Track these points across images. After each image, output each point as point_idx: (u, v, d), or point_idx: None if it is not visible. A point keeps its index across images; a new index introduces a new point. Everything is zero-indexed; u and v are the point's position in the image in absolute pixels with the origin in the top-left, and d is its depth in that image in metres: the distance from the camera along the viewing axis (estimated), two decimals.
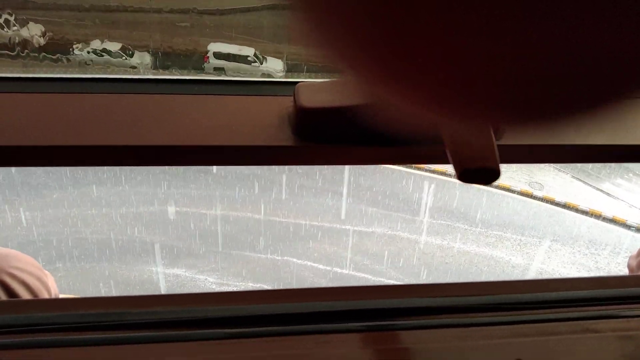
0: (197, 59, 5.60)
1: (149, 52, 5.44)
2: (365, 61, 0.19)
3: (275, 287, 5.63)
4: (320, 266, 5.93)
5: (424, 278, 5.98)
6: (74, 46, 5.36)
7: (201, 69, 5.55)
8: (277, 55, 5.73)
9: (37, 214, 5.93)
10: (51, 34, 5.22)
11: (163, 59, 5.33)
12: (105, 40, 5.43)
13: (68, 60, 5.35)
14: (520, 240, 6.63)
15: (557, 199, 7.34)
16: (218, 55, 5.74)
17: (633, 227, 6.99)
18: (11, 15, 5.24)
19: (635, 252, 0.87)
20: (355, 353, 0.56)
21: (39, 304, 0.63)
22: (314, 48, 0.19)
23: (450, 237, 6.49)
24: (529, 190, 7.43)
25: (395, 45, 0.17)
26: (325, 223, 6.36)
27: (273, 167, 6.82)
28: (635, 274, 0.79)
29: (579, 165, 7.77)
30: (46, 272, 0.77)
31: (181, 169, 6.57)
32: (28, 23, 5.26)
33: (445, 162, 0.69)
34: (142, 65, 5.43)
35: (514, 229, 6.76)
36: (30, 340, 0.55)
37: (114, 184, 6.37)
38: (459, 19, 0.15)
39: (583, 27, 0.15)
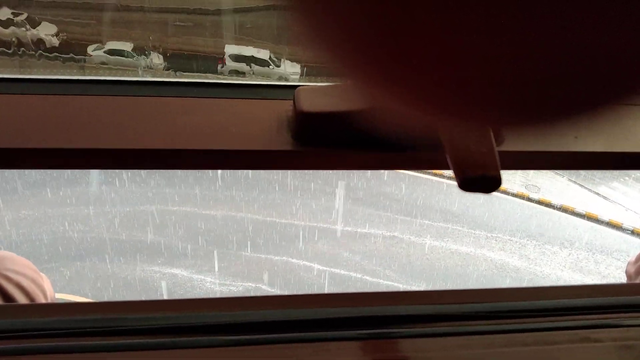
0: (212, 62, 5.55)
1: (159, 53, 5.42)
2: (362, 62, 0.18)
3: (274, 288, 5.64)
4: (317, 266, 5.92)
5: (420, 279, 5.97)
6: (88, 47, 5.36)
7: (215, 71, 5.50)
8: (293, 58, 5.67)
9: (31, 213, 5.90)
10: (64, 34, 5.21)
11: (177, 61, 5.30)
12: (114, 40, 5.41)
13: (83, 60, 5.34)
14: (516, 242, 6.63)
15: (554, 201, 7.34)
16: (235, 58, 5.68)
17: (629, 230, 6.99)
18: (18, 15, 5.23)
19: (633, 258, 0.86)
20: None
21: (35, 308, 0.62)
22: (311, 49, 0.19)
23: (447, 238, 6.49)
24: (526, 192, 7.43)
25: (391, 46, 0.17)
26: (321, 223, 6.35)
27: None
28: (633, 281, 0.78)
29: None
30: (42, 274, 0.76)
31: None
32: (40, 23, 5.25)
33: (447, 167, 0.68)
34: (154, 66, 5.40)
35: (510, 231, 6.76)
36: (27, 347, 0.53)
37: (110, 183, 6.35)
38: (456, 19, 0.15)
39: (580, 28, 0.15)
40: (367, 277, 5.91)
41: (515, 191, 7.43)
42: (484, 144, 0.43)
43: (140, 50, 5.38)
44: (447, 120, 0.23)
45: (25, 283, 0.68)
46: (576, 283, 6.13)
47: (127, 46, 5.46)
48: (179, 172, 6.54)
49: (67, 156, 0.54)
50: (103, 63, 5.39)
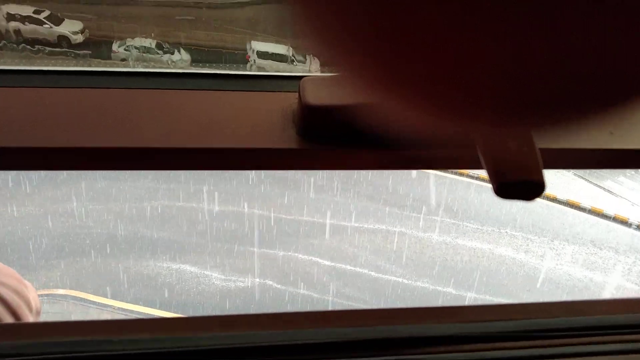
0: (239, 57, 5.48)
1: (182, 48, 5.37)
2: (366, 61, 0.18)
3: (280, 283, 5.59)
4: (325, 262, 5.87)
5: (426, 274, 5.91)
6: (112, 44, 5.32)
7: (243, 67, 5.44)
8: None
9: (35, 209, 5.87)
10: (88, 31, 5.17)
11: (201, 55, 5.23)
12: (137, 37, 5.35)
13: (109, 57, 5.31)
14: (523, 237, 6.55)
15: (559, 196, 7.25)
16: (261, 55, 5.59)
17: (635, 225, 6.89)
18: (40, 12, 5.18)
19: None
20: None
21: (18, 329, 0.55)
22: (312, 45, 0.18)
23: (454, 234, 6.42)
24: None
25: (398, 45, 0.16)
26: (329, 220, 6.30)
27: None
28: None
29: None
30: (27, 283, 0.69)
31: None
32: (63, 20, 5.20)
33: (467, 166, 0.60)
34: (181, 61, 5.35)
35: (515, 226, 6.69)
36: None
37: (114, 178, 6.31)
38: (461, 19, 0.15)
39: (609, 21, 0.14)
40: (373, 273, 5.85)
41: None
42: (525, 142, 0.36)
43: (164, 46, 5.34)
44: (458, 124, 0.22)
45: (8, 296, 0.62)
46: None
47: (151, 42, 5.40)
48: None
49: (43, 156, 0.47)
50: (124, 59, 5.33)
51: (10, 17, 5.17)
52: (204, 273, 5.61)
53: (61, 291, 5.23)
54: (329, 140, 0.50)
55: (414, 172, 7.19)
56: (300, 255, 5.89)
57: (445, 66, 0.16)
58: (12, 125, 0.47)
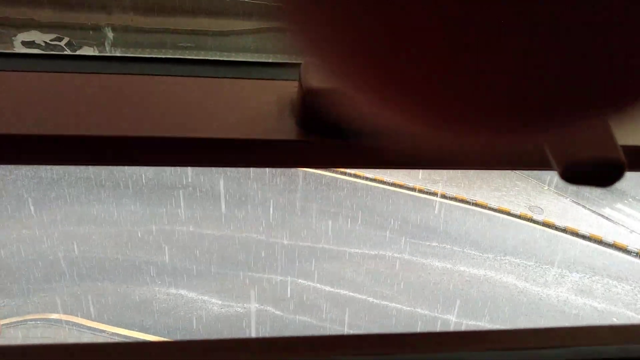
0: None
1: None
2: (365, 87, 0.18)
3: (280, 309, 5.45)
4: (326, 288, 5.75)
5: (425, 301, 5.79)
6: None
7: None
8: None
9: (34, 232, 5.77)
10: None
11: None
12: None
13: None
14: (523, 264, 6.46)
15: (557, 223, 7.18)
16: None
17: (634, 252, 6.80)
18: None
19: None
20: None
21: None
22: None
23: (454, 260, 6.32)
24: (529, 214, 7.27)
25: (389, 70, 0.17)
26: (329, 245, 6.21)
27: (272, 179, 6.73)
28: None
29: (579, 189, 7.64)
30: None
31: (185, 187, 6.45)
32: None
33: (476, 166, 0.53)
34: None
35: (515, 253, 6.60)
36: None
37: (112, 203, 6.23)
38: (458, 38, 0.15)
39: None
40: (371, 299, 5.73)
41: (518, 212, 7.28)
42: (599, 125, 0.29)
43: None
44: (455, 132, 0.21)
45: None
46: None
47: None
48: (182, 191, 6.42)
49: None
50: None
51: None
52: (201, 298, 5.48)
53: (55, 316, 5.09)
54: (332, 132, 0.43)
55: (414, 199, 7.13)
56: (300, 281, 5.78)
57: (445, 82, 0.17)
58: None
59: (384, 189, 7.23)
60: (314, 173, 7.05)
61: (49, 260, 5.52)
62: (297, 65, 0.45)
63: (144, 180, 6.47)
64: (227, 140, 0.42)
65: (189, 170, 6.52)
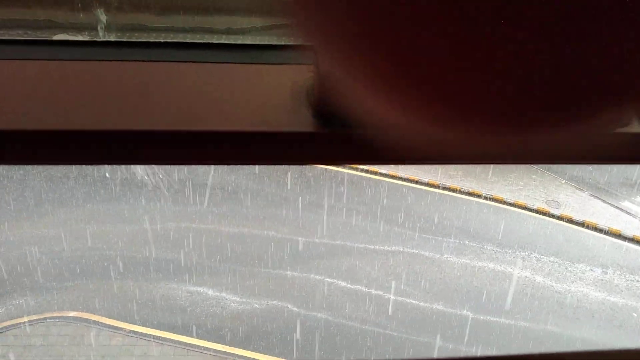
0: None
1: None
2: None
3: (298, 305, 5.40)
4: (342, 283, 5.70)
5: (444, 297, 5.71)
6: None
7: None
8: None
9: (52, 230, 5.79)
10: None
11: None
12: None
13: None
14: (540, 259, 6.34)
15: (575, 217, 7.04)
16: None
17: None
18: None
19: None
20: None
21: None
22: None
23: (472, 256, 6.23)
24: (546, 208, 7.14)
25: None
26: (346, 242, 6.15)
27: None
28: None
29: (597, 182, 7.49)
30: None
31: (203, 185, 6.43)
32: None
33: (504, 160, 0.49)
34: None
35: (533, 248, 6.48)
36: None
37: (129, 201, 6.24)
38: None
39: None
40: (387, 295, 5.67)
41: (535, 207, 7.15)
42: None
43: None
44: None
45: None
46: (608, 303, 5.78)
47: None
48: (201, 189, 6.41)
49: None
50: None
51: None
52: (218, 295, 5.46)
53: (73, 313, 5.10)
54: (352, 124, 0.37)
55: (431, 195, 7.04)
56: (316, 276, 5.73)
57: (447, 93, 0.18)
58: None
59: (398, 184, 7.16)
60: (327, 169, 7.00)
61: (67, 259, 5.54)
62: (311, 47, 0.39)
63: (160, 177, 6.48)
64: (233, 133, 0.36)
65: (205, 166, 6.51)
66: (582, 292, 5.97)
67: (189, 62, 0.40)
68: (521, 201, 7.20)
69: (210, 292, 5.49)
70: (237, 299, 5.45)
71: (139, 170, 6.45)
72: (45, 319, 5.00)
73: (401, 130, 0.28)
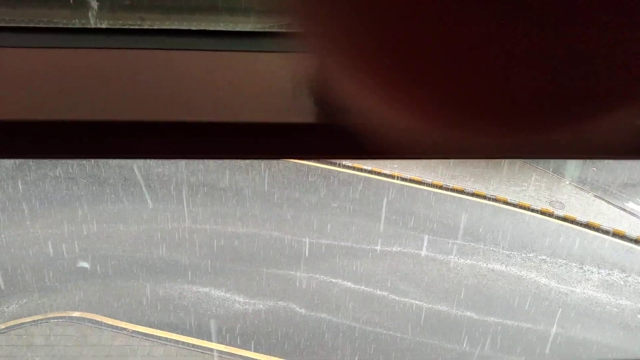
0: None
1: None
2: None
3: (303, 306, 5.38)
4: (348, 284, 5.67)
5: (448, 298, 5.68)
6: None
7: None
8: None
9: (56, 231, 5.79)
10: None
11: None
12: None
13: None
14: (544, 260, 6.30)
15: (579, 218, 6.99)
16: None
17: None
18: None
19: None
20: None
21: None
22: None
23: (477, 257, 6.19)
24: (550, 209, 7.10)
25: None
26: (352, 243, 6.13)
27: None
28: None
29: (601, 183, 7.45)
30: None
31: (211, 186, 6.42)
32: None
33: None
34: None
35: (537, 249, 6.45)
36: None
37: (134, 201, 6.23)
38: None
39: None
40: (392, 295, 5.64)
41: (539, 208, 7.11)
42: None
43: None
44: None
45: None
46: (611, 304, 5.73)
47: None
48: (203, 189, 6.40)
49: None
50: None
51: None
52: (223, 296, 5.44)
53: (76, 314, 5.09)
54: (351, 115, 0.35)
55: (435, 195, 7.01)
56: (320, 277, 5.71)
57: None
58: None
59: (402, 185, 7.14)
60: (325, 168, 6.98)
61: (71, 259, 5.54)
62: None
63: (166, 178, 6.48)
64: (231, 124, 0.34)
65: (210, 164, 6.50)
66: (587, 293, 5.93)
67: (184, 49, 0.38)
68: (525, 202, 7.17)
69: (215, 292, 5.47)
70: (242, 300, 5.43)
71: (136, 169, 6.45)
72: (48, 319, 4.99)
73: (401, 124, 0.26)
